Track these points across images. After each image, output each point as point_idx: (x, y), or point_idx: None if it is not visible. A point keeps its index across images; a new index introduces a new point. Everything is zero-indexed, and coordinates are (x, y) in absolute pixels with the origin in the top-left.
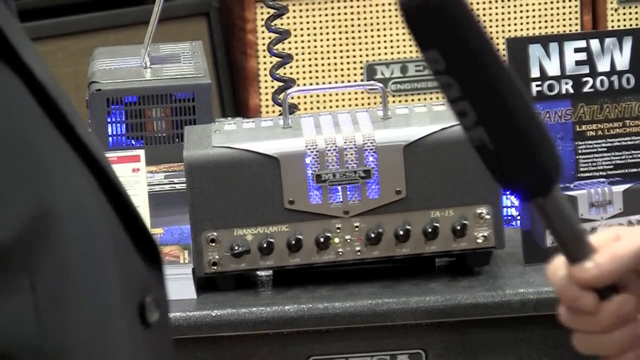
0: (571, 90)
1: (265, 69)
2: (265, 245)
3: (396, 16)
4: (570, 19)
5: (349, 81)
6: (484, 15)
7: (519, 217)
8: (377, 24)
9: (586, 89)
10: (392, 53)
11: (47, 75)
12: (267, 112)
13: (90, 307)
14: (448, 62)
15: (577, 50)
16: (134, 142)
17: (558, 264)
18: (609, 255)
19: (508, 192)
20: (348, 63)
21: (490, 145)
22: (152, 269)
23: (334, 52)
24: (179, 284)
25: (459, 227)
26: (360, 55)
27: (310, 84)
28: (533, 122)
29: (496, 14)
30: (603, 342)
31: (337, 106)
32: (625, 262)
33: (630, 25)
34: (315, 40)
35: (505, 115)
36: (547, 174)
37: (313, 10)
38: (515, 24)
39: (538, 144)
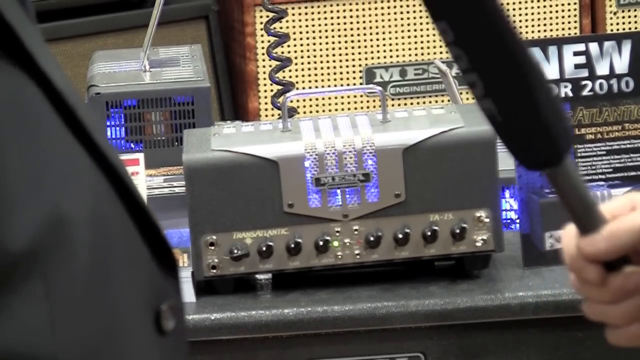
0: (570, 94)
1: (264, 73)
2: (264, 248)
3: (395, 20)
4: (569, 22)
5: (348, 85)
6: None
7: (518, 221)
8: (376, 27)
9: (585, 93)
10: (391, 56)
11: (65, 82)
12: (267, 116)
13: (104, 315)
14: (457, 34)
15: (576, 53)
16: (133, 146)
17: (568, 233)
18: (617, 229)
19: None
20: (347, 66)
21: (498, 117)
22: (168, 276)
23: (333, 55)
24: None
25: (458, 231)
26: (360, 59)
27: (310, 88)
28: (542, 92)
29: None
30: (610, 312)
31: (336, 109)
32: (634, 237)
33: (629, 28)
34: (314, 44)
35: (512, 87)
36: (556, 144)
37: (312, 13)
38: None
39: (547, 113)
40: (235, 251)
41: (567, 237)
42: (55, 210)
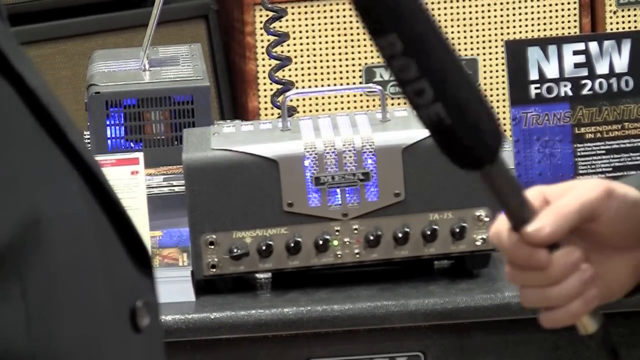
0: (570, 93)
1: (264, 72)
2: (264, 247)
3: None
4: (569, 21)
5: (347, 84)
6: (482, 18)
7: None
8: None
9: (585, 92)
10: None
11: (39, 81)
12: (266, 115)
13: (81, 313)
14: (406, 43)
15: (575, 52)
16: (132, 145)
17: (501, 228)
18: (556, 214)
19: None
20: (347, 65)
21: (447, 119)
22: (143, 274)
23: (333, 54)
24: (178, 286)
25: (457, 230)
26: (359, 58)
27: (309, 87)
28: (478, 92)
29: (495, 16)
30: (553, 293)
31: (335, 109)
32: (571, 220)
33: (629, 27)
34: (314, 43)
35: (458, 88)
36: (494, 141)
37: (312, 12)
38: (514, 27)
39: (485, 112)
40: (235, 250)
41: (499, 232)
42: (30, 210)
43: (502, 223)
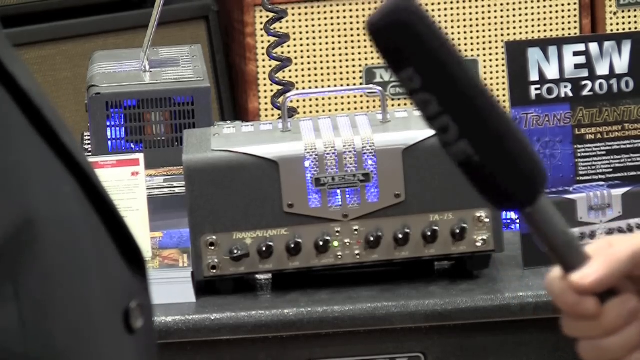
0: (570, 94)
1: (264, 73)
2: (264, 248)
3: None
4: (569, 22)
5: (348, 85)
6: (483, 19)
7: (518, 221)
8: None
9: (585, 93)
10: None
11: (31, 82)
12: (267, 116)
13: (74, 315)
14: (424, 78)
15: (576, 53)
16: (133, 146)
17: (554, 275)
18: (604, 261)
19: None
20: (347, 67)
21: (475, 157)
22: (137, 275)
23: (333, 55)
24: (179, 287)
25: (458, 231)
26: (360, 59)
27: (310, 88)
28: (512, 129)
29: (495, 17)
30: (609, 345)
31: (336, 110)
32: (621, 266)
33: (629, 28)
34: (314, 44)
35: (486, 124)
36: (533, 181)
37: (312, 13)
38: (514, 28)
39: (521, 150)
40: (235, 251)
41: (552, 279)
42: (23, 211)
43: (556, 269)
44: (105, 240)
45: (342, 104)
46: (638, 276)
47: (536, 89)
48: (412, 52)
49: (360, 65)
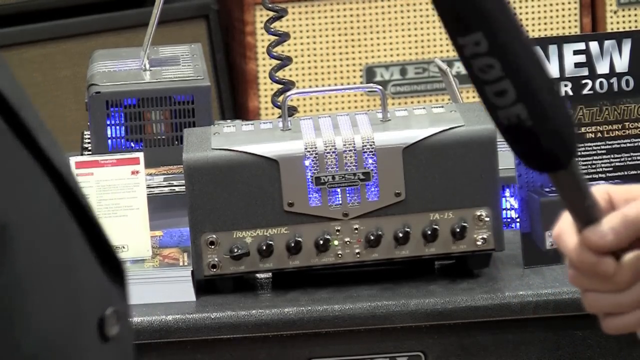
0: (570, 93)
1: (264, 72)
2: (264, 247)
3: (395, 19)
4: (569, 21)
5: (348, 83)
6: None
7: (518, 220)
8: (377, 26)
9: (585, 91)
10: (391, 55)
11: (10, 84)
12: (267, 115)
13: (46, 321)
14: (492, 43)
15: (576, 52)
16: (133, 145)
17: (565, 229)
18: (621, 220)
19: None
20: (347, 65)
21: (528, 121)
22: (114, 281)
23: (333, 54)
24: (178, 286)
25: (458, 230)
26: (360, 58)
27: (310, 87)
28: (559, 94)
29: None
30: (620, 299)
31: (336, 108)
32: (637, 228)
33: (630, 27)
34: (314, 43)
35: (541, 90)
36: (571, 144)
37: (312, 12)
38: None
39: (565, 115)
40: (236, 250)
41: (563, 234)
42: None
43: (566, 223)
44: (81, 246)
45: (342, 102)
46: None
47: None
48: (483, 17)
49: (360, 64)
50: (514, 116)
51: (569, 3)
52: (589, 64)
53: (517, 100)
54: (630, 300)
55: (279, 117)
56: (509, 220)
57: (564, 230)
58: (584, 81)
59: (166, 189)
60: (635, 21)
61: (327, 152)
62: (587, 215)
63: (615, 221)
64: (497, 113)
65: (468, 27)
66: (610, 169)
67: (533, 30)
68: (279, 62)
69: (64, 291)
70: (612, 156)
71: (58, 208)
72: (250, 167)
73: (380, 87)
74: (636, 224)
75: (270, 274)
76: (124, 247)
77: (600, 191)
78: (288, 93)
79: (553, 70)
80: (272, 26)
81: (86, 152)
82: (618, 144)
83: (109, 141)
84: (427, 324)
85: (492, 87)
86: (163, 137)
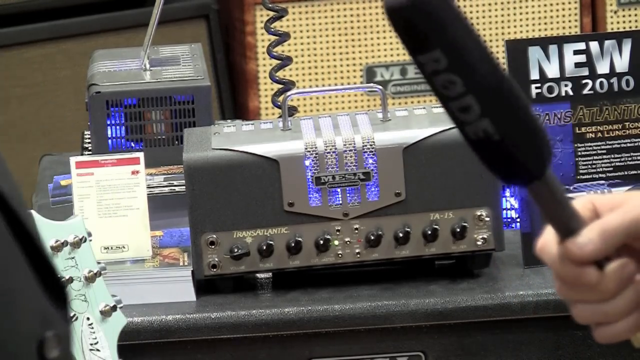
0: (571, 93)
1: (264, 71)
2: (264, 247)
3: None
4: (569, 21)
5: (348, 83)
6: (483, 17)
7: (518, 220)
8: (377, 26)
9: (586, 91)
10: (391, 55)
11: None
12: (267, 115)
13: None
14: (451, 59)
15: (576, 52)
16: (133, 145)
17: (547, 242)
18: (600, 230)
19: (506, 182)
20: (347, 65)
21: (495, 135)
22: (55, 304)
23: (334, 54)
24: (179, 286)
25: (458, 230)
26: (360, 58)
27: (310, 86)
28: (527, 106)
29: (496, 16)
30: (607, 308)
31: (336, 108)
32: (618, 237)
33: (630, 27)
34: (314, 43)
35: (506, 103)
36: (544, 155)
37: (312, 12)
38: (514, 26)
39: (534, 126)
40: (236, 250)
41: (546, 246)
42: None
43: (549, 236)
44: (22, 267)
45: (343, 102)
46: (629, 244)
47: (537, 88)
48: (439, 34)
49: (360, 64)
50: (481, 131)
51: (569, 3)
52: (589, 63)
53: (482, 115)
54: (617, 308)
55: (279, 117)
56: (509, 220)
57: (547, 242)
58: (584, 81)
59: (166, 189)
60: (636, 21)
61: (328, 152)
62: (567, 226)
63: (594, 232)
64: (464, 128)
65: (425, 44)
66: (611, 168)
67: (533, 30)
68: (279, 62)
69: (2, 314)
70: (612, 156)
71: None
72: (251, 167)
73: (380, 87)
74: (618, 233)
75: (270, 273)
76: (124, 247)
77: (584, 201)
78: (288, 93)
79: (553, 70)
80: (272, 26)
81: (86, 152)
82: (618, 143)
83: (109, 141)
84: (427, 323)
85: (456, 103)
86: (163, 137)
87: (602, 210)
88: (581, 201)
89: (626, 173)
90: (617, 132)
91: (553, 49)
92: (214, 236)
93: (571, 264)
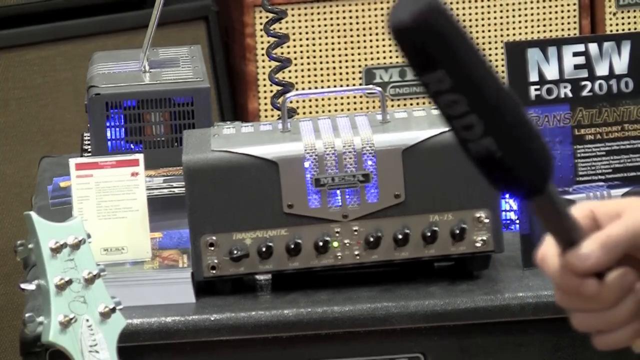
0: (570, 94)
1: (264, 73)
2: (264, 249)
3: None
4: (568, 23)
5: (347, 85)
6: (482, 19)
7: (517, 221)
8: (376, 28)
9: (585, 93)
10: (390, 57)
11: None
12: (266, 116)
13: None
14: (455, 79)
15: (575, 54)
16: (132, 146)
17: (548, 252)
18: (602, 243)
19: (509, 196)
20: (347, 67)
21: (498, 153)
22: None
23: (333, 56)
24: (178, 288)
25: (457, 231)
26: (359, 59)
27: (309, 88)
28: (529, 123)
29: (495, 18)
30: (607, 317)
31: (335, 110)
32: (619, 249)
33: (629, 29)
34: (314, 45)
35: (509, 121)
36: (545, 171)
37: (312, 14)
38: (514, 28)
39: (537, 143)
40: (235, 252)
41: (546, 257)
42: None
43: (548, 246)
44: None
45: (342, 104)
46: (632, 253)
47: (536, 90)
48: (443, 55)
49: (359, 66)
50: (484, 149)
51: (568, 5)
52: (588, 65)
53: (485, 134)
54: (618, 317)
55: (279, 118)
56: (508, 221)
57: (547, 253)
58: (583, 83)
59: (166, 191)
60: (635, 23)
61: (327, 154)
62: (568, 237)
63: (596, 244)
64: (467, 146)
65: (430, 65)
66: (610, 170)
67: (532, 32)
68: (278, 63)
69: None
70: (611, 158)
71: None
72: (250, 169)
73: (379, 89)
74: (619, 245)
75: (269, 275)
76: (123, 249)
77: (583, 209)
78: (288, 95)
79: (552, 71)
80: (271, 28)
81: (86, 154)
82: (617, 145)
83: (109, 143)
84: (427, 325)
85: (459, 121)
86: (163, 138)
87: (602, 219)
88: (580, 209)
89: (625, 175)
90: (616, 133)
91: (552, 50)
92: (214, 238)
93: (572, 275)
